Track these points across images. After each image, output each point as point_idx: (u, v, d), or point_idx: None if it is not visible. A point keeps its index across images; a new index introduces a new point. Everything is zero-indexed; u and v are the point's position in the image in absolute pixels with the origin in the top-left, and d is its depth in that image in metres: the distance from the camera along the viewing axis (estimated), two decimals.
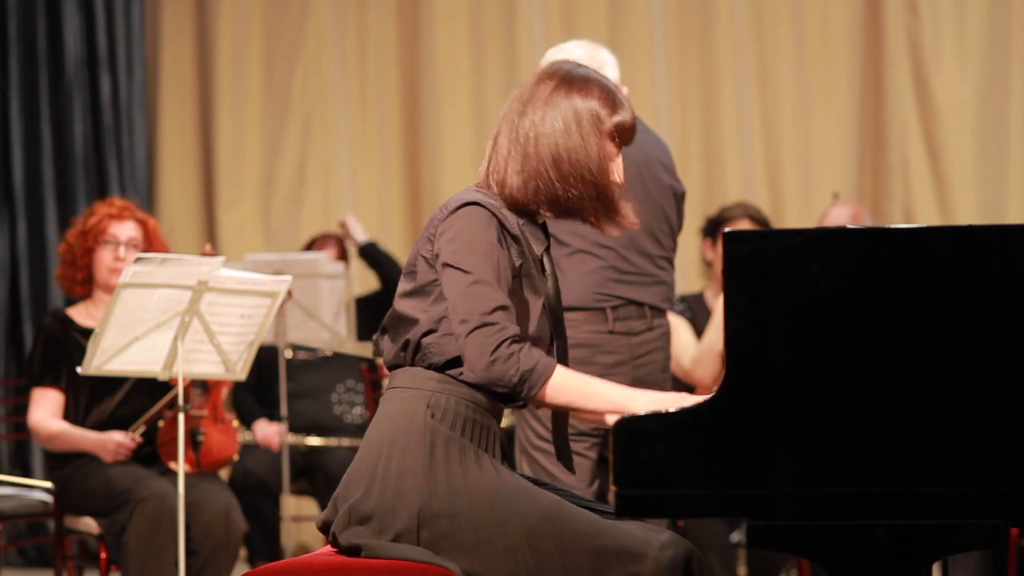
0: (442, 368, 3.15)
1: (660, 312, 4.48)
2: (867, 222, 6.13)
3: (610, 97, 3.20)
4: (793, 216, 7.26)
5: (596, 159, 3.17)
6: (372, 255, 6.97)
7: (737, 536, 5.72)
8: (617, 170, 3.22)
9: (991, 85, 7.13)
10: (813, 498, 2.82)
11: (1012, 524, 2.88)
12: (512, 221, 3.16)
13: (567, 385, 3.10)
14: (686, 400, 3.02)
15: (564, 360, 3.26)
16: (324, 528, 3.20)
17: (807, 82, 7.32)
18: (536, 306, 3.17)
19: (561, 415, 3.24)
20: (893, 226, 2.93)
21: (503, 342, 3.05)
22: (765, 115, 7.35)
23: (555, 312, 3.22)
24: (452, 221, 3.13)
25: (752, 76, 7.34)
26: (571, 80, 3.20)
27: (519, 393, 3.08)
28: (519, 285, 3.15)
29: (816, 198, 7.15)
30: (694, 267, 7.02)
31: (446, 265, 3.11)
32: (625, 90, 4.57)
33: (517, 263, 3.14)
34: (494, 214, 3.12)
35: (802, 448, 2.81)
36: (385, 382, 5.06)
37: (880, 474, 2.81)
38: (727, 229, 3.38)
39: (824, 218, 6.17)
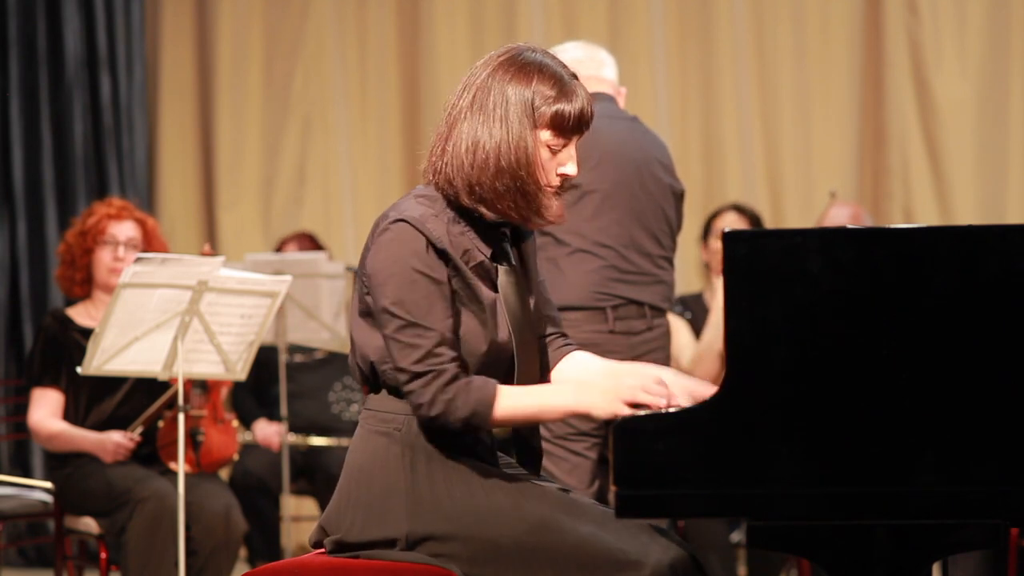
0: None
1: (660, 312, 4.48)
2: (867, 222, 6.13)
3: (555, 84, 2.99)
4: (793, 216, 7.26)
5: (518, 150, 2.97)
6: None
7: (737, 536, 5.72)
8: (566, 160, 3.03)
9: (991, 85, 7.13)
10: (813, 498, 2.82)
11: (1012, 524, 2.88)
12: (441, 231, 2.99)
13: (516, 408, 2.99)
14: (645, 372, 2.99)
15: (535, 357, 3.12)
16: (316, 547, 3.15)
17: (807, 82, 7.32)
18: (477, 321, 3.02)
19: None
20: (893, 226, 2.92)
21: (437, 392, 2.94)
22: (765, 115, 7.35)
23: (515, 312, 3.07)
24: (378, 247, 2.99)
25: (752, 76, 7.34)
26: (511, 65, 3.01)
27: (470, 432, 3.00)
28: (458, 299, 3.01)
29: (816, 198, 7.15)
30: (694, 267, 7.01)
31: (378, 305, 2.98)
32: (624, 90, 4.61)
33: (450, 278, 2.99)
34: (419, 229, 2.97)
35: (802, 448, 2.81)
36: None
37: (880, 474, 2.80)
38: (726, 229, 3.37)
39: (824, 218, 6.16)
